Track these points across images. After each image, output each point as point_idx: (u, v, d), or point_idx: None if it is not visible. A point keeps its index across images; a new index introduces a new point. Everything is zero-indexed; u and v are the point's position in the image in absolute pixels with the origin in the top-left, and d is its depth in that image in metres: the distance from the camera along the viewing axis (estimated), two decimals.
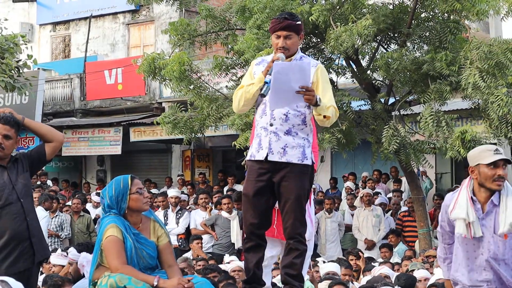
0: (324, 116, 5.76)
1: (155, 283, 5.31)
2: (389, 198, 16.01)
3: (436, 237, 13.89)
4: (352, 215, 15.04)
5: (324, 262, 10.16)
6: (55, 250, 11.66)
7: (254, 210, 5.84)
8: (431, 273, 9.56)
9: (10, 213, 5.75)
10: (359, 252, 11.47)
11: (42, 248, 6.04)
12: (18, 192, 5.83)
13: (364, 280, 9.94)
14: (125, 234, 5.50)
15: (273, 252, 6.62)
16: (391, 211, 15.39)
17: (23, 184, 5.90)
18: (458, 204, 5.48)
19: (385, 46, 13.20)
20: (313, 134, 6.02)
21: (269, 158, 5.71)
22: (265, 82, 5.63)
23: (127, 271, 5.35)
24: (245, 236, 5.99)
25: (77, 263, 7.48)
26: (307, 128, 5.82)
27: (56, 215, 14.64)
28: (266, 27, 12.03)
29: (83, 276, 7.06)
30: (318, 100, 5.60)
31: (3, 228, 5.72)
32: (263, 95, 5.65)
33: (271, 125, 5.73)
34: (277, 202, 5.93)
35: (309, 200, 6.49)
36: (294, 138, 5.74)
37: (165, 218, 14.52)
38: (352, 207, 15.47)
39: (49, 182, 20.39)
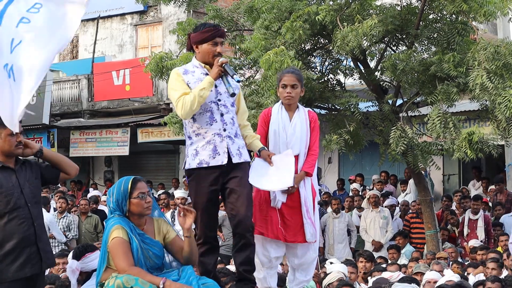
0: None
1: (161, 286, 5.31)
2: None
3: (443, 239, 13.89)
4: (360, 216, 15.04)
5: (331, 263, 10.15)
6: (62, 251, 11.67)
7: (208, 215, 6.04)
8: (442, 274, 9.55)
9: (18, 217, 5.72)
10: (362, 259, 11.30)
11: (50, 256, 6.06)
12: (26, 196, 5.79)
13: (371, 281, 9.93)
14: (131, 235, 5.49)
15: (278, 253, 6.63)
16: (400, 212, 15.41)
17: (31, 189, 5.88)
18: None
19: (393, 48, 13.19)
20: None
21: (233, 161, 5.97)
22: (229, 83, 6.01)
23: (134, 272, 5.33)
24: (200, 240, 6.06)
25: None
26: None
27: (64, 216, 14.66)
28: (274, 28, 12.04)
29: (84, 279, 7.01)
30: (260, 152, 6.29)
31: (11, 231, 5.69)
32: (233, 94, 5.99)
33: (225, 130, 5.99)
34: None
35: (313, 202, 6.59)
36: (240, 139, 6.12)
37: (172, 219, 14.52)
38: (359, 208, 15.45)
39: None
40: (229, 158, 5.96)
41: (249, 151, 6.31)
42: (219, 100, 6.00)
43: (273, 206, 6.41)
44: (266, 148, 6.29)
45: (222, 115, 5.99)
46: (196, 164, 5.97)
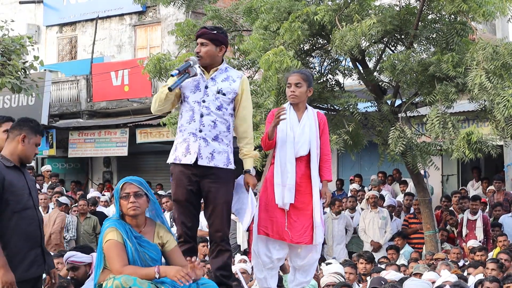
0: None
1: (157, 276, 5.33)
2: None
3: (442, 240, 13.88)
4: (352, 217, 14.98)
5: (327, 264, 10.12)
6: (59, 252, 11.64)
7: (187, 214, 6.14)
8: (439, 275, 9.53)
9: (27, 218, 5.75)
10: (363, 260, 11.27)
11: (51, 258, 6.13)
12: (33, 198, 5.86)
13: (369, 282, 9.92)
14: (125, 238, 5.50)
15: (280, 254, 6.63)
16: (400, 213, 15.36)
17: (35, 192, 5.96)
18: None
19: (392, 48, 13.18)
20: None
21: (199, 163, 6.03)
22: (172, 75, 6.01)
23: (129, 271, 5.34)
24: (181, 239, 6.16)
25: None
26: (230, 135, 6.18)
27: None
28: (272, 28, 12.02)
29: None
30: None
31: (20, 231, 5.70)
32: (170, 89, 5.95)
33: (200, 131, 6.05)
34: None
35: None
36: (220, 144, 6.09)
37: (172, 220, 14.50)
38: (351, 209, 15.34)
39: None
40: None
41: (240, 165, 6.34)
42: (204, 101, 6.07)
43: (280, 207, 6.41)
44: (250, 172, 6.25)
45: (201, 116, 6.06)
46: (172, 159, 6.17)
